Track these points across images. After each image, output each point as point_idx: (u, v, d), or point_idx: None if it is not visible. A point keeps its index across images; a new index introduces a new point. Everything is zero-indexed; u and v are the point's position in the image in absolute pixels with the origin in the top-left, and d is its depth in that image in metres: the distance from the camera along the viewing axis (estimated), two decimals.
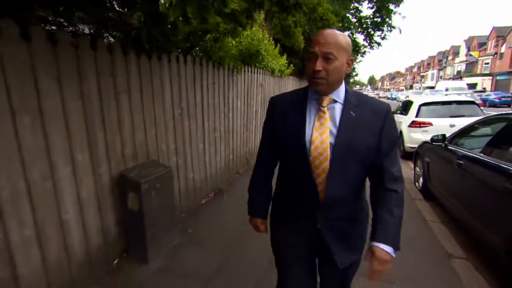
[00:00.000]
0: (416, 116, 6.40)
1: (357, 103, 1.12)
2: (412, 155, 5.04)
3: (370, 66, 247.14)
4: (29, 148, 1.68)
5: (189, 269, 2.37)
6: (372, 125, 1.11)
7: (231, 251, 2.62)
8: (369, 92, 54.54)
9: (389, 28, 15.92)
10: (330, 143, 1.09)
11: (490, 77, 34.67)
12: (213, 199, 3.82)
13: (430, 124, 6.11)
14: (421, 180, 4.35)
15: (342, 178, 1.11)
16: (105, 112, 2.18)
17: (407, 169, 5.37)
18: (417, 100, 7.02)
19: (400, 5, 15.30)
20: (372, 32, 16.22)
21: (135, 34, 2.52)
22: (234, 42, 4.51)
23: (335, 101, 1.13)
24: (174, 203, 2.80)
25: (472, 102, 6.40)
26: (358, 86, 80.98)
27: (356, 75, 26.36)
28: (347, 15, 14.41)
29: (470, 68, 41.26)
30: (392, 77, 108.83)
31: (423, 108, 6.49)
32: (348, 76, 24.03)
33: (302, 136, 1.11)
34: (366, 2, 15.81)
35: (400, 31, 16.09)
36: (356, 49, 15.91)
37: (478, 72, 37.78)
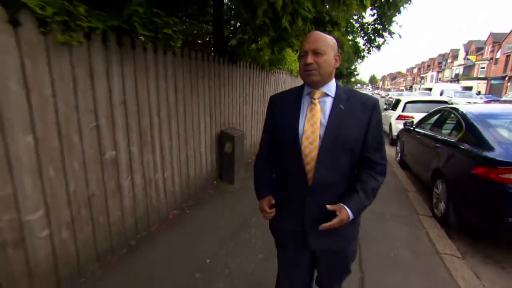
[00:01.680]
0: (402, 111, 8.22)
1: (347, 97, 1.24)
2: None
3: (371, 65, 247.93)
4: (192, 113, 3.49)
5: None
6: (360, 117, 1.22)
7: None
8: (369, 91, 56.37)
9: (389, 34, 17.51)
10: (319, 133, 1.19)
11: (486, 81, 36.34)
12: None
13: (412, 117, 7.90)
14: (399, 155, 6.18)
15: (329, 165, 1.21)
16: (216, 97, 3.97)
17: (392, 151, 7.19)
18: (404, 99, 8.84)
19: (398, 14, 16.88)
20: (373, 37, 17.85)
21: (230, 50, 4.29)
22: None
23: (326, 95, 1.24)
24: (244, 153, 4.61)
25: (445, 102, 8.22)
26: (359, 85, 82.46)
27: (357, 74, 27.96)
28: (351, 20, 16.02)
29: (468, 71, 42.84)
30: (393, 77, 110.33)
31: (408, 105, 8.31)
32: (349, 75, 25.56)
33: (296, 127, 1.23)
34: (369, 9, 17.42)
35: (400, 36, 17.68)
36: (356, 52, 17.49)
37: (475, 76, 39.39)
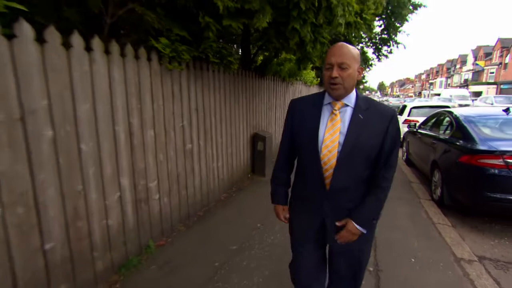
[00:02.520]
0: (408, 116, 9.00)
1: (366, 107, 1.29)
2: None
3: (380, 72, 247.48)
4: (234, 117, 4.40)
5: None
6: (378, 127, 1.27)
7: None
8: (378, 98, 56.80)
9: (395, 44, 18.32)
10: (339, 142, 1.26)
11: (495, 86, 36.52)
12: None
13: (417, 121, 8.68)
14: (405, 154, 6.96)
15: (347, 172, 1.28)
16: (249, 105, 4.89)
17: (399, 152, 7.97)
18: (409, 104, 9.62)
19: (404, 24, 17.70)
20: (380, 47, 18.68)
21: (256, 67, 5.23)
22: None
23: (346, 105, 1.30)
24: (272, 151, 5.51)
25: (447, 106, 8.97)
26: (367, 92, 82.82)
27: (366, 82, 28.75)
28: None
29: (477, 76, 43.02)
30: (402, 83, 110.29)
31: (413, 110, 9.09)
32: (358, 82, 26.30)
33: (316, 135, 1.30)
34: (376, 20, 18.28)
35: (405, 47, 18.47)
36: (365, 61, 18.31)
37: (484, 81, 39.58)
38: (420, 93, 67.59)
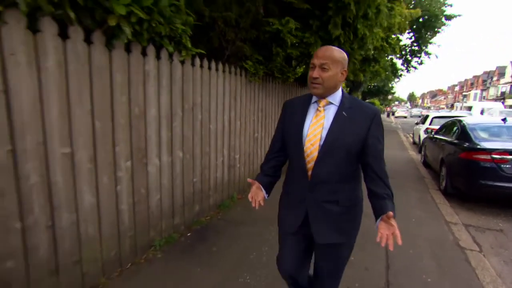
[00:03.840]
0: (430, 124, 9.91)
1: (350, 106, 1.37)
2: None
3: (410, 82, 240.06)
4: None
5: None
6: (360, 123, 1.35)
7: None
8: (407, 109, 55.94)
9: (426, 55, 18.60)
10: (321, 136, 1.35)
11: None
12: None
13: (435, 129, 9.59)
14: (423, 158, 7.97)
15: (327, 164, 1.36)
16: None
17: (419, 156, 8.92)
18: (431, 114, 10.54)
19: (436, 35, 17.99)
20: (410, 58, 19.15)
21: (296, 78, 6.54)
22: None
23: (331, 103, 1.39)
24: None
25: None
26: (396, 102, 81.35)
27: (394, 93, 29.07)
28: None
29: None
30: (434, 94, 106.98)
31: (434, 119, 10.00)
32: (385, 93, 26.61)
33: (301, 131, 1.40)
34: (406, 32, 18.81)
35: (437, 56, 18.78)
36: (393, 72, 18.84)
37: None
38: (452, 105, 65.64)
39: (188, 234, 3.12)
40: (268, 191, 1.57)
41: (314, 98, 1.43)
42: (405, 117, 37.11)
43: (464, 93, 64.65)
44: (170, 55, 2.62)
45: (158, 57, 2.50)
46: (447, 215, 4.13)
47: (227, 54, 3.63)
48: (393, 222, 1.24)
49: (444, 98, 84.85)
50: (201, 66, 3.11)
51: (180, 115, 2.86)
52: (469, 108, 29.95)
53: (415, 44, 18.62)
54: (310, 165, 1.38)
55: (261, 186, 1.53)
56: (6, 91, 1.55)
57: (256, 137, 4.62)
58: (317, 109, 1.40)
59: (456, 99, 69.15)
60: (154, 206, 2.67)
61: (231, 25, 3.53)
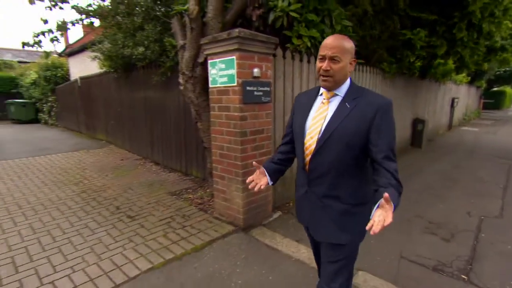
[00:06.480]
0: None
1: (355, 97, 1.30)
2: None
3: None
4: (404, 107, 6.83)
5: (432, 150, 7.12)
6: (363, 115, 1.25)
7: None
8: None
9: None
10: (320, 129, 1.31)
11: None
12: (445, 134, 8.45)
13: None
14: None
15: (324, 158, 1.31)
16: (413, 99, 7.16)
17: None
18: None
19: None
20: None
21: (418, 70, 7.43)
22: None
23: (336, 95, 1.33)
24: (426, 131, 7.60)
25: None
26: None
27: None
28: None
29: None
30: None
31: None
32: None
33: (304, 122, 1.39)
34: None
35: None
36: None
37: None
38: None
39: None
40: (273, 178, 1.51)
41: (321, 90, 1.39)
42: None
43: None
44: None
45: None
46: None
47: (373, 60, 5.12)
48: (388, 206, 1.04)
49: None
50: (358, 69, 4.72)
51: None
52: None
53: None
54: (308, 158, 1.36)
55: (266, 171, 1.49)
56: (274, 92, 3.48)
57: None
58: (321, 102, 1.37)
59: None
60: None
61: (374, 39, 4.99)
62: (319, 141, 1.31)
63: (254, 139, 3.07)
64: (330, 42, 1.25)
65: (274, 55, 3.28)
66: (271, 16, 3.25)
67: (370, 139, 1.24)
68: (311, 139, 1.34)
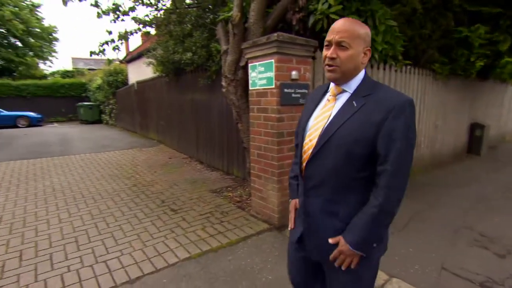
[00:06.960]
0: None
1: (366, 94, 1.06)
2: None
3: None
4: (459, 112, 6.27)
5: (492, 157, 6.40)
6: (372, 117, 1.01)
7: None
8: None
9: None
10: (320, 131, 1.09)
11: None
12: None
13: None
14: None
15: (319, 167, 1.09)
16: (470, 102, 6.54)
17: None
18: None
19: None
20: None
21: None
22: None
23: (345, 91, 1.11)
24: (487, 137, 6.88)
25: None
26: None
27: None
28: None
29: None
30: None
31: None
32: None
33: (305, 123, 1.18)
34: None
35: None
36: None
37: None
38: None
39: None
40: None
41: (330, 86, 1.18)
42: None
43: None
44: (390, 67, 4.14)
45: (384, 68, 4.09)
46: None
47: (422, 61, 4.83)
48: (345, 249, 1.03)
49: None
50: (404, 71, 4.49)
51: None
52: None
53: None
54: (303, 165, 1.16)
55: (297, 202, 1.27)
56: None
57: (436, 125, 5.54)
58: (327, 99, 1.17)
59: None
60: None
61: (424, 39, 4.70)
62: (316, 144, 1.10)
63: (291, 140, 3.11)
64: (339, 26, 1.05)
65: (314, 58, 3.30)
66: (311, 20, 3.28)
67: (377, 149, 1.01)
68: (310, 142, 1.13)
